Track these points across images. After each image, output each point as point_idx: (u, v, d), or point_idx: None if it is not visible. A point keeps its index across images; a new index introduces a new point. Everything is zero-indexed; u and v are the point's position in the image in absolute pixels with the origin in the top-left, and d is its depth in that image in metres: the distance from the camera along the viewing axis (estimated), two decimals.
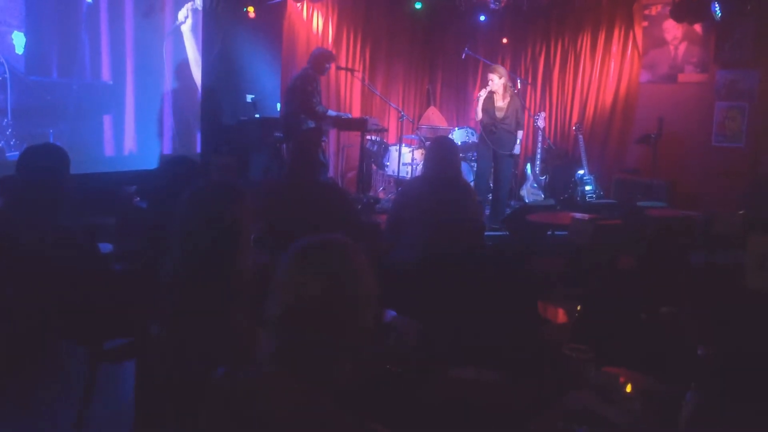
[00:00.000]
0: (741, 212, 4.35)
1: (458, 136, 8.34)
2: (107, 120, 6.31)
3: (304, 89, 6.66)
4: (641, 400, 1.91)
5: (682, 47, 7.86)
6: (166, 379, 1.82)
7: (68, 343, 2.99)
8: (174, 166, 3.46)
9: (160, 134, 6.88)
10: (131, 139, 6.57)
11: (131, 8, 6.43)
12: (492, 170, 7.10)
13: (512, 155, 7.00)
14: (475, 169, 7.44)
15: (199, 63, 7.23)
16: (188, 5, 7.03)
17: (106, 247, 3.32)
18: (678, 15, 7.42)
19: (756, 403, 1.81)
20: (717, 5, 6.83)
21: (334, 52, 7.79)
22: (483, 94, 6.94)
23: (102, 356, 2.92)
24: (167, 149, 6.94)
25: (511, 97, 6.95)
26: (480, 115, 6.97)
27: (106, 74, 6.21)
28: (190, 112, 7.25)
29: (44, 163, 2.87)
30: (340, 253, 1.47)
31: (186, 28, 7.05)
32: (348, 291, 1.43)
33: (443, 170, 4.02)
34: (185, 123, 7.21)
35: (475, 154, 7.50)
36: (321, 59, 6.88)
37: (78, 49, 5.92)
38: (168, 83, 6.94)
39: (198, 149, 7.32)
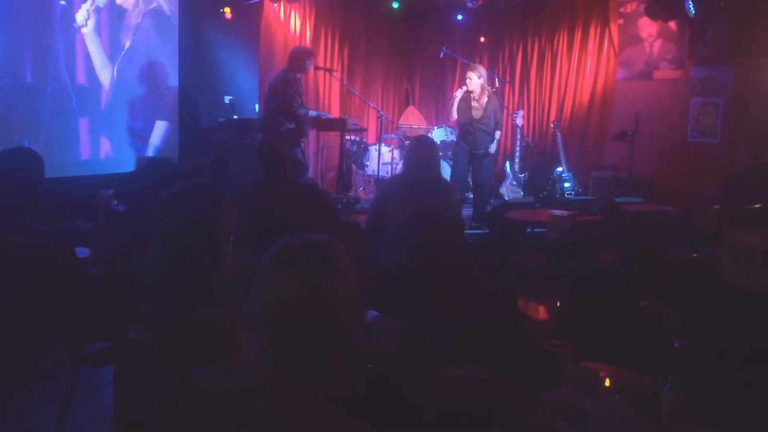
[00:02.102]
0: (717, 207, 4.39)
1: (437, 135, 8.36)
2: (83, 123, 6.24)
3: (285, 93, 6.56)
4: (621, 393, 1.93)
5: (657, 44, 7.95)
6: (145, 383, 1.80)
7: (47, 347, 2.96)
8: (152, 169, 3.44)
9: (137, 137, 6.82)
10: (107, 142, 6.51)
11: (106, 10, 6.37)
12: (470, 170, 7.11)
13: (488, 154, 6.98)
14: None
15: (108, 66, 6.59)
16: (86, 5, 6.26)
17: (83, 252, 3.29)
18: (653, 12, 7.50)
19: (731, 393, 1.83)
20: (691, 2, 6.91)
21: None
22: (459, 93, 6.94)
23: (81, 360, 2.90)
24: (144, 152, 6.88)
25: (489, 97, 6.95)
26: (455, 115, 6.98)
27: (81, 77, 6.15)
28: (167, 113, 7.19)
29: (18, 167, 2.84)
30: (321, 252, 1.47)
31: (88, 31, 6.32)
32: (330, 290, 1.43)
33: (423, 169, 4.03)
34: (162, 125, 7.14)
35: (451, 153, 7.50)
36: (301, 57, 6.76)
37: (52, 51, 5.85)
38: (144, 85, 6.87)
39: (176, 151, 7.27)
